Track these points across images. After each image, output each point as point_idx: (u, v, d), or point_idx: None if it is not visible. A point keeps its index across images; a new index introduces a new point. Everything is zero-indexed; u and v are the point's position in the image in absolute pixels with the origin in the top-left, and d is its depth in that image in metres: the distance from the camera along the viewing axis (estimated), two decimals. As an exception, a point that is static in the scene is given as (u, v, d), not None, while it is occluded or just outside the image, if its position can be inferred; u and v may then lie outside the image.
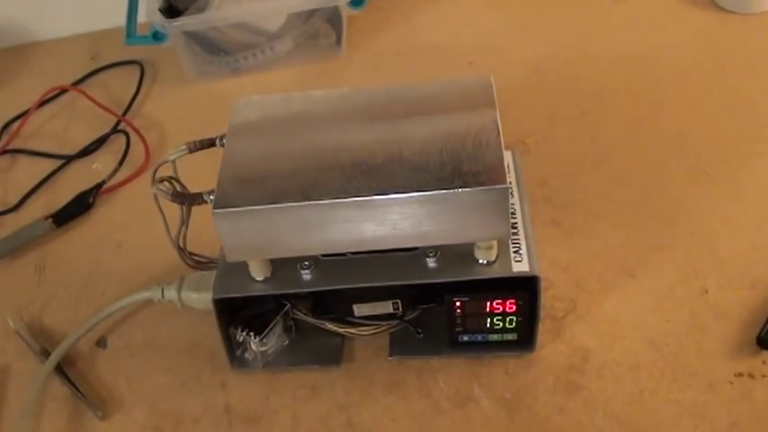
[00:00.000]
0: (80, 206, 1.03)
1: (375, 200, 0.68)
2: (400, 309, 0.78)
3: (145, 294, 0.85)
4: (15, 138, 1.17)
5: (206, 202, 0.73)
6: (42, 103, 1.22)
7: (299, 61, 1.23)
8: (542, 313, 0.77)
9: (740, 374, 0.76)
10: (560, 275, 0.87)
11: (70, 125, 1.19)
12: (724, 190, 0.94)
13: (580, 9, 1.27)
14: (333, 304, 0.80)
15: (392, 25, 1.29)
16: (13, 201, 1.07)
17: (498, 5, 1.30)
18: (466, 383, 0.79)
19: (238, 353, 0.81)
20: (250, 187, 0.70)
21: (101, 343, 0.87)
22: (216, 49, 1.21)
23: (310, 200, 0.68)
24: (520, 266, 0.73)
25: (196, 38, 1.20)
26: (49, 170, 1.10)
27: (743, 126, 1.02)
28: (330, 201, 0.68)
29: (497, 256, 0.74)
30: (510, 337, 0.78)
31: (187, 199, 0.75)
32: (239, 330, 0.79)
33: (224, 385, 0.81)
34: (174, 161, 0.79)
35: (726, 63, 1.13)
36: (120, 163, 1.09)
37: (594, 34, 1.21)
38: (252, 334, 0.78)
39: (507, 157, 0.80)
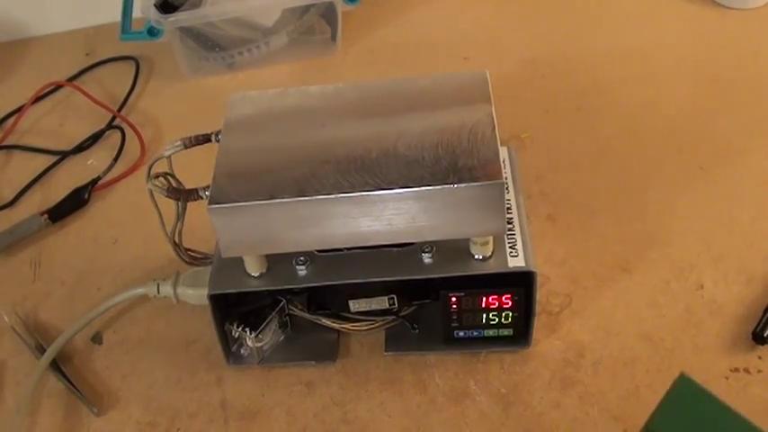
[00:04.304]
0: (75, 202, 1.03)
1: (370, 195, 0.68)
2: (396, 304, 0.78)
3: (140, 290, 0.85)
4: (10, 134, 1.17)
5: (201, 198, 0.73)
6: (37, 99, 1.21)
7: (294, 57, 1.23)
8: (538, 308, 0.77)
9: (736, 369, 0.76)
10: (556, 271, 0.87)
11: (65, 121, 1.19)
12: (719, 185, 0.94)
13: (576, 3, 1.27)
14: (328, 300, 0.80)
15: (387, 20, 1.28)
16: (9, 197, 1.06)
17: (493, 0, 1.30)
18: (461, 379, 0.79)
19: (234, 349, 0.81)
20: (245, 183, 0.70)
21: (96, 339, 0.87)
22: (211, 45, 1.21)
23: (305, 195, 0.68)
24: (515, 262, 0.73)
25: (191, 33, 1.20)
26: (44, 166, 1.10)
27: (738, 121, 1.02)
28: (325, 196, 0.68)
29: (493, 252, 0.74)
30: (505, 332, 0.78)
31: (182, 195, 0.75)
32: (235, 326, 0.79)
33: (220, 381, 0.81)
34: (169, 157, 0.79)
35: (721, 58, 1.13)
36: (116, 159, 1.09)
37: (590, 29, 1.21)
38: (247, 330, 0.78)
39: (503, 152, 0.79)
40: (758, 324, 0.79)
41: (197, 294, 0.81)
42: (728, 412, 0.49)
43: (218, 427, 0.78)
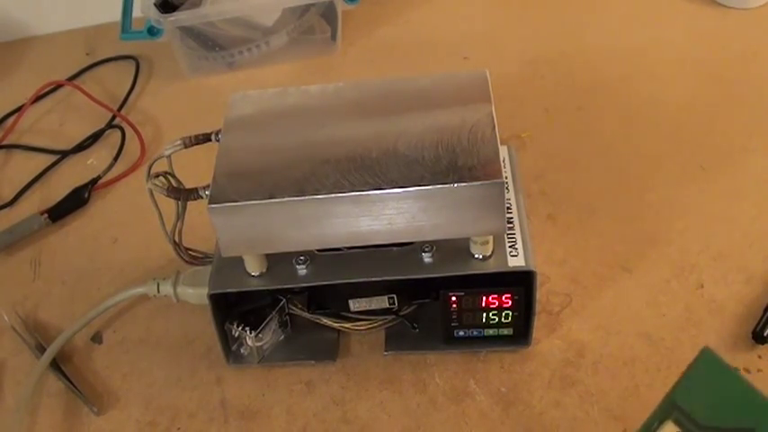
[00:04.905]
0: (75, 201, 1.03)
1: (370, 195, 0.68)
2: (396, 304, 0.78)
3: (140, 289, 0.85)
4: (10, 133, 1.17)
5: (201, 197, 0.73)
6: (37, 99, 1.21)
7: (294, 56, 1.23)
8: (538, 308, 0.77)
9: (736, 369, 0.76)
10: (556, 270, 0.87)
11: (65, 120, 1.19)
12: (719, 184, 0.94)
13: (575, 2, 1.27)
14: (328, 299, 0.80)
15: (387, 20, 1.29)
16: (9, 196, 1.06)
17: (493, 0, 1.30)
18: (461, 378, 0.79)
19: (234, 348, 0.81)
20: (245, 182, 0.70)
21: (96, 338, 0.87)
22: (211, 45, 1.21)
23: (306, 195, 0.68)
24: (515, 261, 0.73)
25: (191, 33, 1.20)
26: (44, 165, 1.10)
27: (738, 121, 1.02)
28: (325, 196, 0.68)
29: (493, 251, 0.74)
30: (506, 331, 0.78)
31: (182, 194, 0.75)
32: (235, 325, 0.79)
33: (219, 380, 0.81)
34: (169, 156, 0.79)
35: (721, 58, 1.13)
36: (116, 158, 1.09)
37: (590, 28, 1.21)
38: (247, 329, 0.78)
39: (503, 151, 0.79)
40: (758, 323, 0.79)
41: (197, 294, 0.81)
42: (750, 390, 0.51)
43: (219, 427, 0.78)
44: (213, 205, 0.69)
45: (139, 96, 1.21)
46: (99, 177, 1.06)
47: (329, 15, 1.23)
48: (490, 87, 0.76)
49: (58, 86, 1.24)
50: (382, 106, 0.76)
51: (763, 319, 0.79)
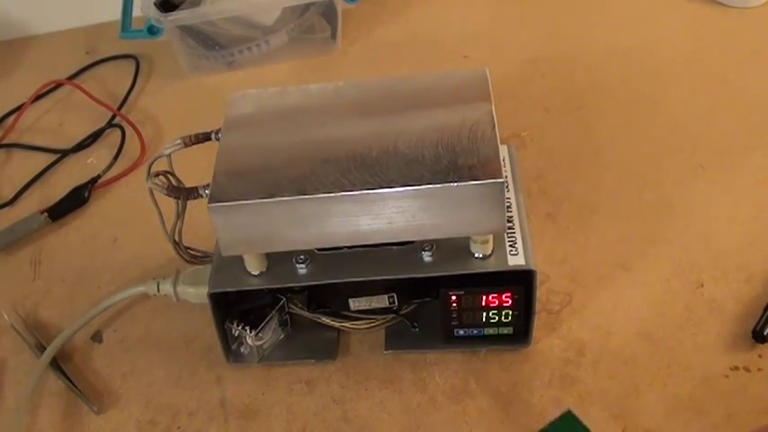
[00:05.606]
0: (75, 200, 1.03)
1: (370, 194, 0.68)
2: (396, 303, 0.78)
3: (140, 288, 0.85)
4: (10, 132, 1.17)
5: (201, 197, 0.73)
6: (37, 98, 1.21)
7: (294, 55, 1.23)
8: (538, 307, 0.77)
9: (736, 368, 0.76)
10: (556, 269, 0.87)
11: (65, 119, 1.19)
12: (719, 183, 0.94)
13: (576, 2, 1.27)
14: (328, 298, 0.80)
15: (387, 19, 1.28)
16: (9, 195, 1.06)
17: (494, -1, 1.30)
18: (461, 377, 0.79)
19: (234, 347, 0.81)
20: (245, 181, 0.70)
21: (96, 337, 0.87)
22: (211, 44, 1.21)
23: (305, 194, 0.68)
24: (515, 260, 0.73)
25: (191, 32, 1.20)
26: (44, 164, 1.10)
27: (738, 120, 1.02)
28: (325, 195, 0.68)
29: (493, 250, 0.74)
30: (505, 331, 0.78)
31: (182, 193, 0.75)
32: (235, 325, 0.79)
33: (219, 380, 0.81)
34: (169, 155, 0.79)
35: (722, 57, 1.13)
36: (116, 157, 1.09)
37: (590, 27, 1.21)
38: (247, 328, 0.78)
39: (503, 150, 0.79)
40: (758, 322, 0.79)
41: (197, 293, 0.81)
42: None
43: (219, 426, 0.78)
44: (213, 204, 0.69)
45: (139, 95, 1.21)
46: (99, 176, 1.06)
47: (329, 14, 1.23)
48: (490, 86, 0.76)
49: (58, 85, 1.24)
50: (382, 105, 0.76)
51: (763, 319, 0.79)
